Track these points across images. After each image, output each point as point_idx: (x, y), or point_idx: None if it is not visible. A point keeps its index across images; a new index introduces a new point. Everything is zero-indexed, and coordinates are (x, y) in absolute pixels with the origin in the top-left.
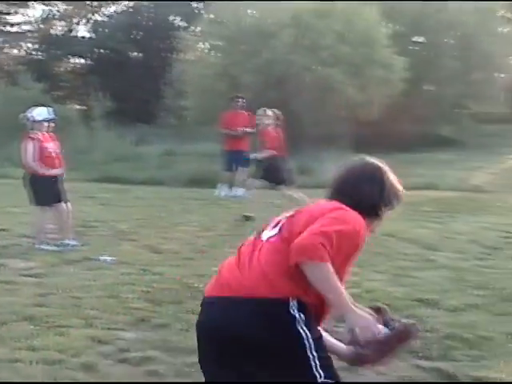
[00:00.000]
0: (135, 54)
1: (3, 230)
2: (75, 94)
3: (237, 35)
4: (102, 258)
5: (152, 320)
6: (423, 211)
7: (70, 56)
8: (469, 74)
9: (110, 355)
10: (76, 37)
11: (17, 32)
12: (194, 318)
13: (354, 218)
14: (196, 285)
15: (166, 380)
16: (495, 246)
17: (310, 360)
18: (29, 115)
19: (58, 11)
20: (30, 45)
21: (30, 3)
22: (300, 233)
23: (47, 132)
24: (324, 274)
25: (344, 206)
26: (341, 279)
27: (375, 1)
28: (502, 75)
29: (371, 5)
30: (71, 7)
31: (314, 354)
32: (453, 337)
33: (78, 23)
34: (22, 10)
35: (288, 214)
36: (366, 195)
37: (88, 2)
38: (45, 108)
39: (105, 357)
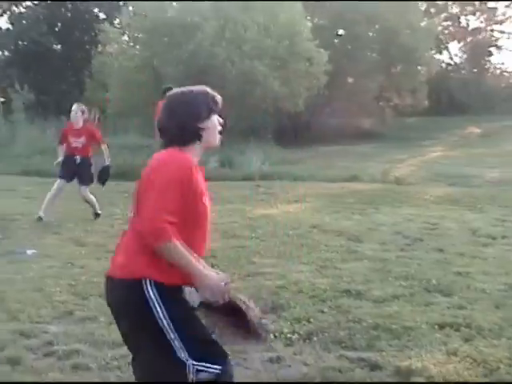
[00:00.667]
0: (57, 46)
1: None
2: None
3: (159, 27)
4: (24, 251)
5: (77, 313)
6: (347, 203)
7: None
8: (390, 67)
9: (36, 349)
10: None
11: None
12: None
13: (170, 169)
14: None
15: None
16: (417, 237)
17: (170, 341)
18: None
19: None
20: None
21: None
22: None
23: None
24: (171, 253)
25: (160, 158)
26: (200, 218)
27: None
28: (423, 68)
29: None
30: None
31: (174, 334)
32: (378, 327)
33: None
34: None
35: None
36: (189, 131)
37: None
38: None
39: (30, 350)
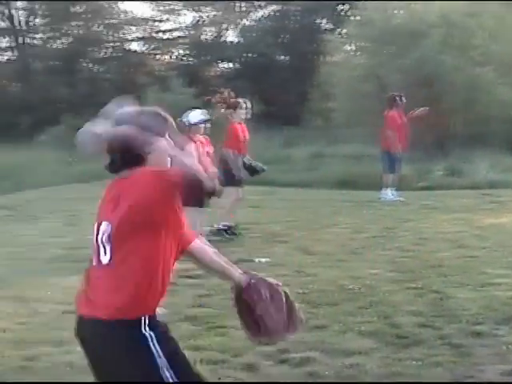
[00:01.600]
0: (282, 57)
1: None
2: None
3: (384, 36)
4: (256, 259)
5: (309, 321)
6: None
7: (219, 61)
8: None
9: (271, 356)
10: (225, 42)
11: (168, 39)
12: (351, 320)
13: None
14: (351, 287)
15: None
16: None
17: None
18: (184, 119)
19: (208, 17)
20: (181, 51)
21: (180, 11)
22: None
23: (203, 134)
24: None
25: None
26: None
27: None
28: None
29: None
30: (220, 13)
31: (170, 372)
32: None
33: (226, 29)
34: (173, 17)
35: None
36: (131, 156)
37: (237, 8)
38: (199, 110)
39: (265, 357)
